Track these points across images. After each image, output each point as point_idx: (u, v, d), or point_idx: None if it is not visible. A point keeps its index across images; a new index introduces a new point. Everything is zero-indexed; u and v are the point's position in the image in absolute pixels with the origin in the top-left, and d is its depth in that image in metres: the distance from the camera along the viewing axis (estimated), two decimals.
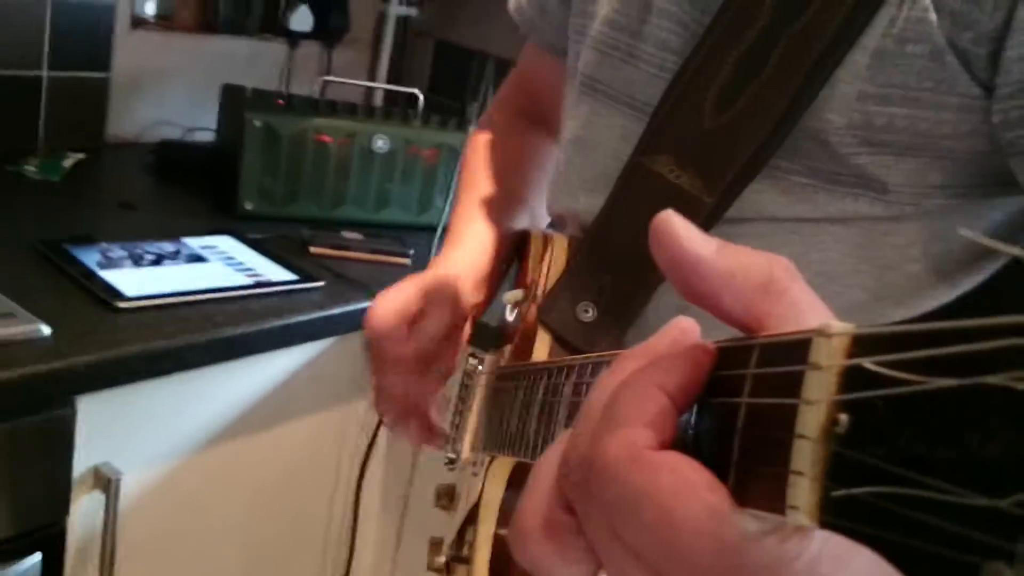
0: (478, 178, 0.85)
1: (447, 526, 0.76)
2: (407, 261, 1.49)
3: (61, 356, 1.02)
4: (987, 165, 0.55)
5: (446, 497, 0.76)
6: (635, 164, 0.63)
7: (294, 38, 1.95)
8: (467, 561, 0.69)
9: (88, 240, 1.31)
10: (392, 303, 0.73)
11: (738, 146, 0.58)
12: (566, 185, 0.72)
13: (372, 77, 2.10)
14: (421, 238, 1.55)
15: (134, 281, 1.20)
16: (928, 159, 0.55)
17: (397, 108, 1.70)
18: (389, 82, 2.07)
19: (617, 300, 0.63)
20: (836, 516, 0.24)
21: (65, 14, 1.63)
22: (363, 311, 1.36)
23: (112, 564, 1.14)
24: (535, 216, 0.83)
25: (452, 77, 2.06)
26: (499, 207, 0.82)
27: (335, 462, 1.42)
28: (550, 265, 0.72)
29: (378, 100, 2.09)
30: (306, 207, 1.59)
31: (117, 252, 1.29)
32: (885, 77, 0.53)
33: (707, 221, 0.60)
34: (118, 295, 1.15)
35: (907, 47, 0.51)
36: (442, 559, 0.73)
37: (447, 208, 1.52)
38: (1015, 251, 0.19)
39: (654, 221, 0.33)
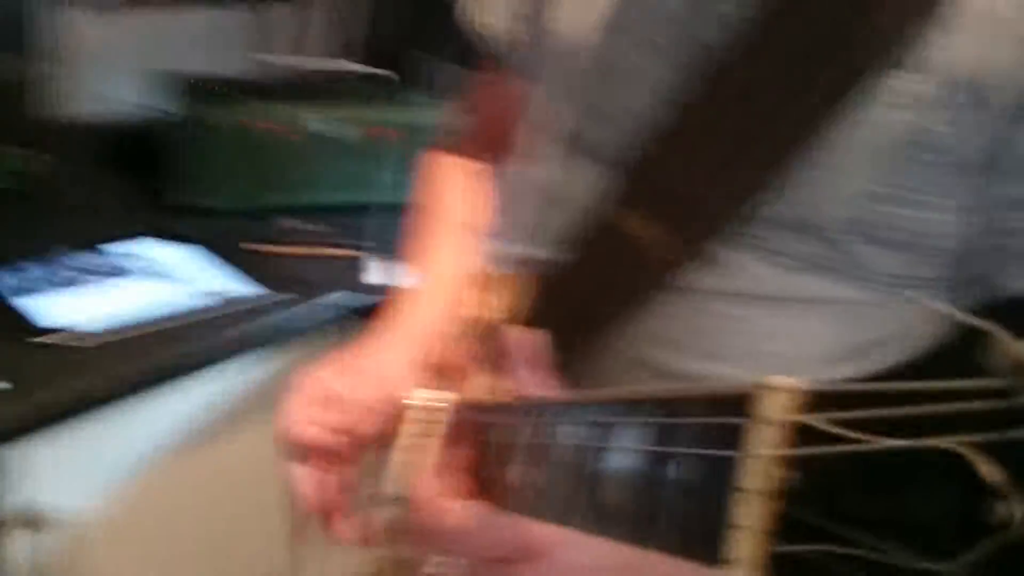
0: (439, 227, 0.84)
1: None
2: (357, 253, 1.44)
3: None
4: (962, 263, 0.57)
5: (375, 533, 0.75)
6: (604, 217, 0.63)
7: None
8: None
9: (14, 260, 1.25)
10: (310, 393, 0.70)
11: (708, 213, 0.58)
12: (533, 234, 0.71)
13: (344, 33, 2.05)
14: (374, 218, 1.47)
15: (63, 310, 1.16)
16: (921, 255, 0.56)
17: (346, 86, 1.67)
18: (361, 33, 2.02)
19: (572, 346, 0.63)
20: (777, 573, 0.24)
21: (4, 4, 1.58)
22: (315, 321, 1.32)
23: None
24: (489, 252, 0.82)
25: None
26: (455, 256, 0.81)
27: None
28: (501, 304, 0.72)
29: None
30: (255, 197, 1.53)
31: (46, 273, 1.24)
32: (895, 179, 0.54)
33: (668, 281, 0.60)
34: (44, 330, 1.11)
35: (921, 154, 0.53)
36: None
37: (404, 189, 1.47)
38: (989, 326, 0.19)
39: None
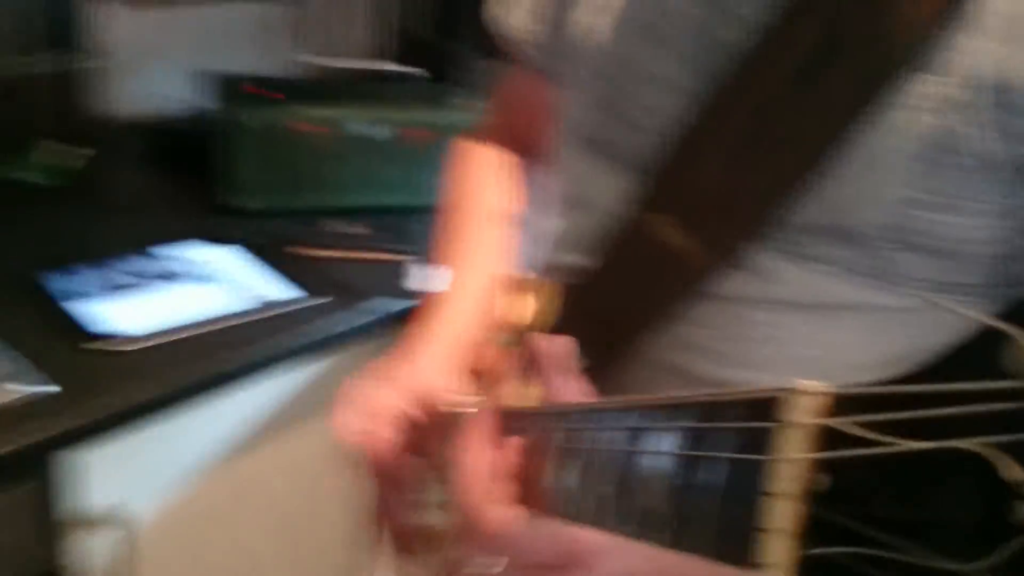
0: (466, 225, 0.84)
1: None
2: (400, 257, 1.44)
3: (50, 417, 0.99)
4: (1002, 268, 0.56)
5: (426, 541, 0.75)
6: (632, 223, 0.63)
7: None
8: None
9: (70, 264, 1.27)
10: (384, 424, 0.69)
11: (736, 216, 0.58)
12: (562, 243, 0.71)
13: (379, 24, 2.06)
14: (416, 221, 1.48)
15: (118, 316, 1.18)
16: (959, 262, 0.55)
17: (385, 87, 1.68)
18: (398, 24, 2.03)
19: (604, 352, 0.63)
20: (809, 575, 0.24)
21: (52, 2, 1.61)
22: (358, 327, 1.34)
23: None
24: (519, 256, 0.83)
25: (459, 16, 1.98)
26: (487, 260, 0.81)
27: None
28: (533, 310, 0.72)
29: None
30: (296, 199, 1.55)
31: (100, 278, 1.26)
32: (927, 183, 0.53)
33: (698, 286, 0.60)
34: (100, 337, 1.13)
35: (951, 157, 0.52)
36: None
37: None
38: (1008, 328, 0.19)
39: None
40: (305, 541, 1.43)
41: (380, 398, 0.71)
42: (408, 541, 0.70)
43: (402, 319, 1.32)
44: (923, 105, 0.52)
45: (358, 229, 1.51)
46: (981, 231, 0.54)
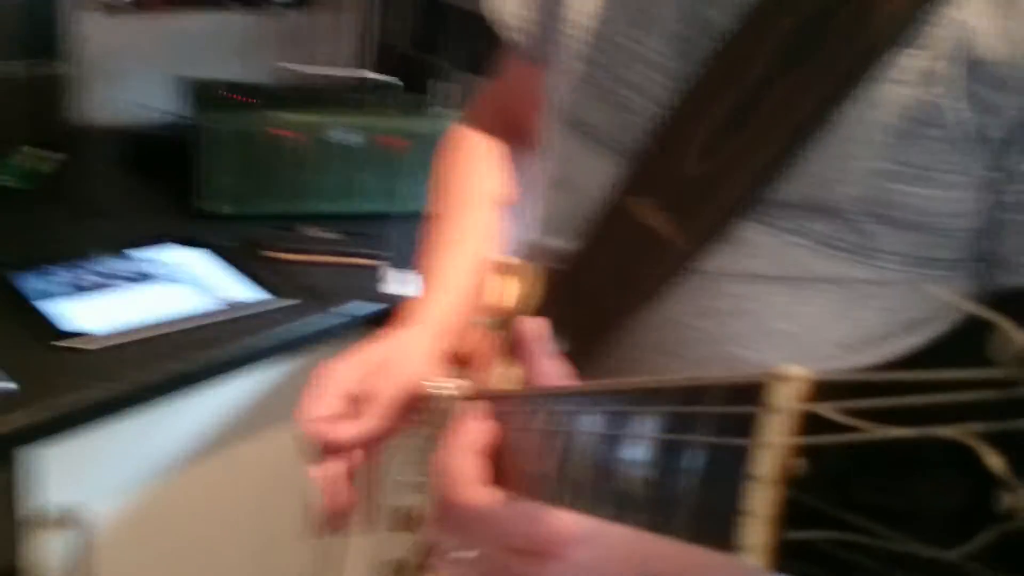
0: (455, 210, 0.84)
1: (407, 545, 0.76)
2: (376, 263, 1.45)
3: (4, 413, 0.97)
4: (977, 243, 0.56)
5: (403, 522, 0.75)
6: (614, 205, 0.63)
7: (266, 6, 1.90)
8: None
9: (38, 264, 1.26)
10: (332, 389, 0.70)
11: (719, 197, 0.58)
12: (547, 224, 0.71)
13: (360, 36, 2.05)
14: (391, 228, 1.49)
15: (85, 315, 1.16)
16: (934, 236, 0.56)
17: (362, 95, 1.67)
18: (376, 41, 2.02)
19: (588, 334, 0.64)
20: (788, 559, 0.24)
21: (27, 5, 1.59)
22: (330, 329, 1.34)
23: None
24: (505, 240, 0.83)
25: (436, 34, 1.98)
26: (475, 244, 0.81)
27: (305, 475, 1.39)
28: (517, 294, 0.72)
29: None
30: (271, 204, 1.55)
31: (69, 278, 1.24)
32: (904, 156, 0.53)
33: (680, 266, 0.60)
34: (66, 334, 1.11)
35: (930, 130, 0.52)
36: None
37: (421, 198, 1.49)
38: (993, 316, 0.19)
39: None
40: (267, 548, 1.42)
41: (340, 378, 0.71)
42: (343, 519, 0.70)
43: (372, 322, 1.31)
44: (904, 78, 0.52)
45: (332, 235, 1.51)
46: (957, 204, 0.54)
